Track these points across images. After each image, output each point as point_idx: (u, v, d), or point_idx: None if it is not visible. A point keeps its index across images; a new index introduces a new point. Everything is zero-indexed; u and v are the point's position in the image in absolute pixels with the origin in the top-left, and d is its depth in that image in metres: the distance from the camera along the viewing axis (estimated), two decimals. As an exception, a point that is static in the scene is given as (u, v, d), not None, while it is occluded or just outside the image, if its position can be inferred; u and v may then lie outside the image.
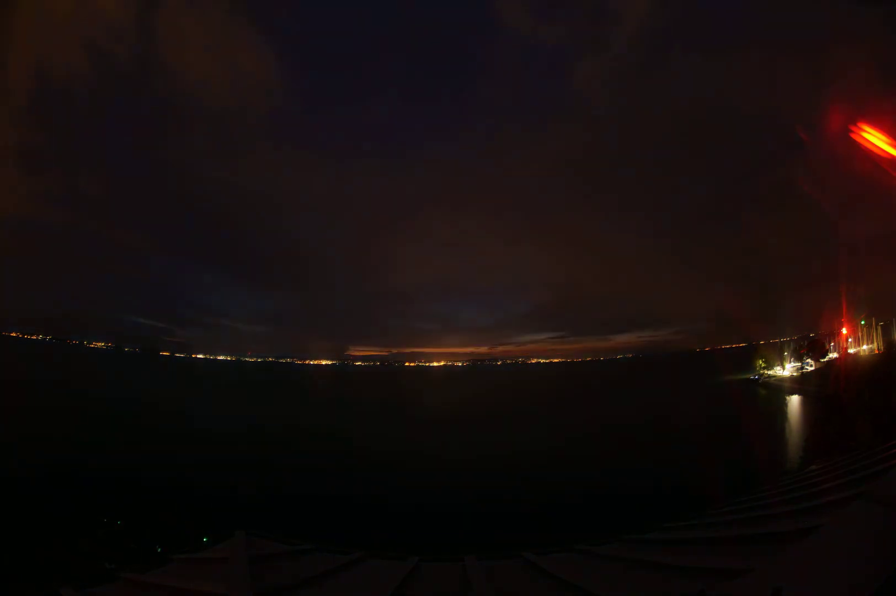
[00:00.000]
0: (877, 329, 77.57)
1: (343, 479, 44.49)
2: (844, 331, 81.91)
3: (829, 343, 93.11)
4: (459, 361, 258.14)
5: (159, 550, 21.41)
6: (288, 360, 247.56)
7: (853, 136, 21.88)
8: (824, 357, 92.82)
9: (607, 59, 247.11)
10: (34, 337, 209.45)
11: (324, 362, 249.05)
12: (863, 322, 79.11)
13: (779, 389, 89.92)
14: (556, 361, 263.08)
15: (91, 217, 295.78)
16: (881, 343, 74.31)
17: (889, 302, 75.16)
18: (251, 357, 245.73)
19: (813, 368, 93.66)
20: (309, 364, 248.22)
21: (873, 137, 20.92)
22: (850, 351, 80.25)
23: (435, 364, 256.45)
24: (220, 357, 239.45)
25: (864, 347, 79.57)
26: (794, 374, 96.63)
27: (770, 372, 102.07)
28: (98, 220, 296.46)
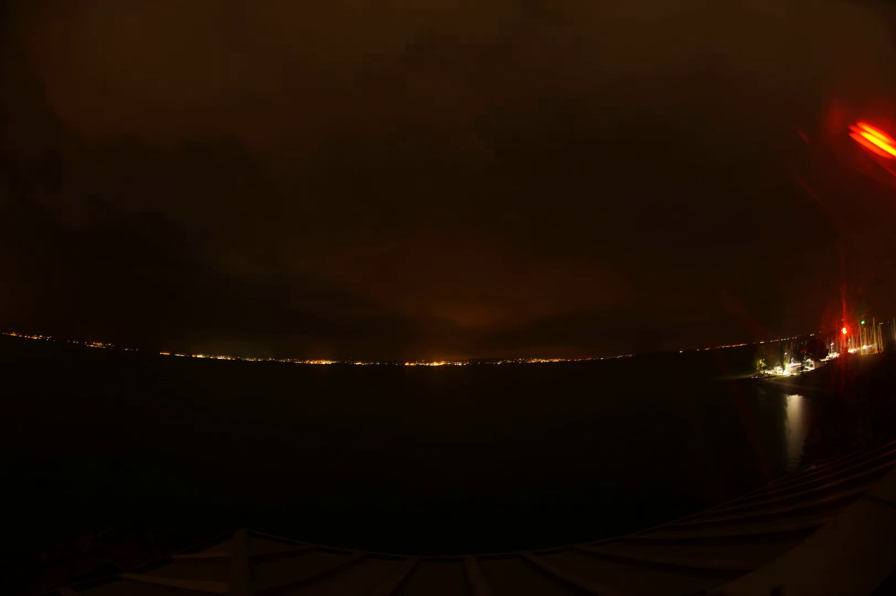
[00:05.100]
0: (877, 329, 77.41)
1: (344, 480, 44.48)
2: (844, 331, 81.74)
3: (829, 343, 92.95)
4: (459, 361, 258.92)
5: (159, 550, 21.38)
6: (288, 360, 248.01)
7: (853, 136, 21.84)
8: (824, 357, 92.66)
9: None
10: (34, 337, 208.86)
11: (324, 362, 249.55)
12: (863, 322, 78.94)
13: (779, 389, 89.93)
14: (555, 360, 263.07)
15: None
16: (881, 343, 74.23)
17: (889, 302, 75.10)
18: (251, 357, 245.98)
19: (813, 368, 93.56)
20: (309, 364, 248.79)
21: (873, 137, 20.90)
22: (851, 351, 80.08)
23: (435, 364, 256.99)
24: (220, 357, 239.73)
25: (864, 347, 79.40)
26: (794, 374, 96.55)
27: (770, 372, 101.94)
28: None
